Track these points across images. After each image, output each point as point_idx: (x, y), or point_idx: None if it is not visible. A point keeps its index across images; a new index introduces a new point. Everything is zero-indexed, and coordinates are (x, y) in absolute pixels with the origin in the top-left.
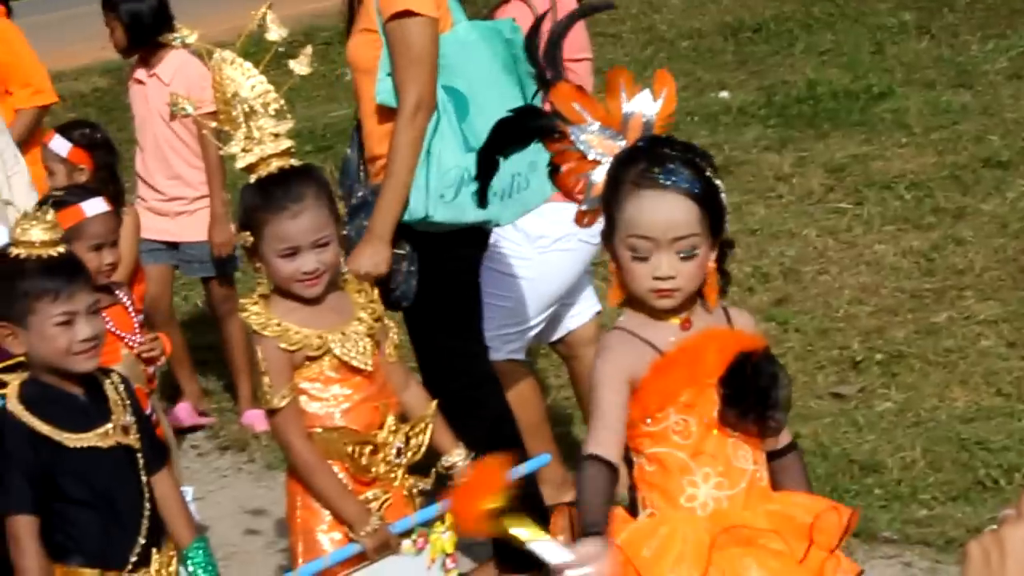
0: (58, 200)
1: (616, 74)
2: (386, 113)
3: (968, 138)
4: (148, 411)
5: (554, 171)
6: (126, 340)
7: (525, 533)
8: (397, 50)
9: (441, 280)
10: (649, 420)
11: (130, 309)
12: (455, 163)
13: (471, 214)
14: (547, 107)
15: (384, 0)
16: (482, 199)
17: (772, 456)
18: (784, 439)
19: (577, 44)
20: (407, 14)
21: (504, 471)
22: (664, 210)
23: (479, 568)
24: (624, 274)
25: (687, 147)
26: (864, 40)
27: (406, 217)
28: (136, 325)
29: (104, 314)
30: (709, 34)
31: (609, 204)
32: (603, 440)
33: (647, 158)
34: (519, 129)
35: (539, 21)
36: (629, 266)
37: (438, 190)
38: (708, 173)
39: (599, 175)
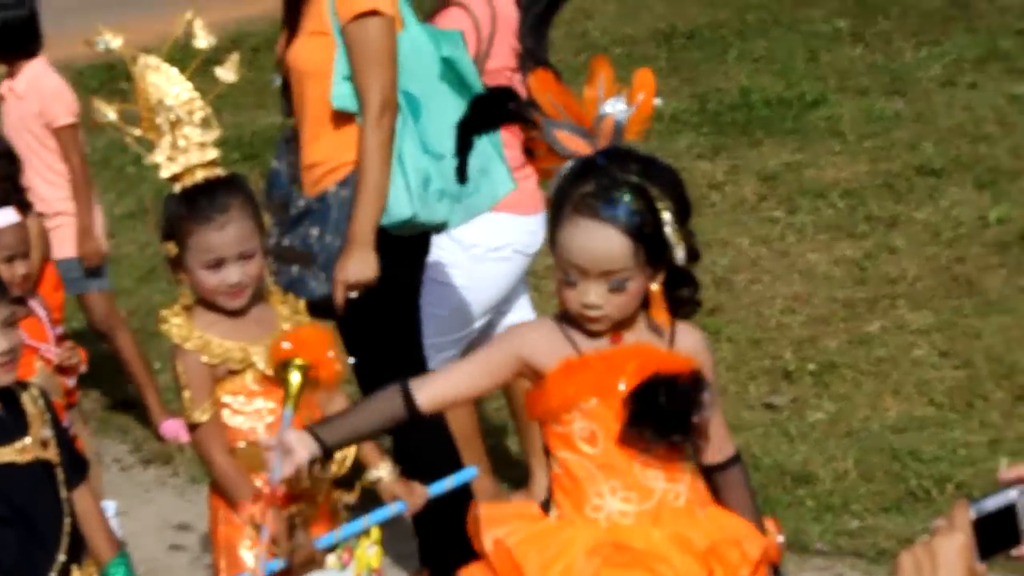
0: None
1: (599, 64)
2: (343, 118)
3: (901, 146)
4: (66, 424)
5: (528, 153)
6: (41, 351)
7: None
8: (358, 51)
9: (387, 286)
10: (556, 423)
11: (44, 320)
12: (417, 165)
13: (438, 214)
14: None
15: (343, 1)
16: (462, 175)
17: (712, 470)
18: (726, 452)
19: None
20: (372, 14)
21: (325, 346)
22: (596, 243)
23: None
24: (557, 290)
25: (645, 169)
26: (798, 47)
27: (389, 221)
28: (51, 336)
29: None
30: (642, 41)
31: (553, 216)
32: (429, 380)
33: (596, 179)
34: (494, 110)
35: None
36: (560, 286)
37: (415, 190)
38: (658, 202)
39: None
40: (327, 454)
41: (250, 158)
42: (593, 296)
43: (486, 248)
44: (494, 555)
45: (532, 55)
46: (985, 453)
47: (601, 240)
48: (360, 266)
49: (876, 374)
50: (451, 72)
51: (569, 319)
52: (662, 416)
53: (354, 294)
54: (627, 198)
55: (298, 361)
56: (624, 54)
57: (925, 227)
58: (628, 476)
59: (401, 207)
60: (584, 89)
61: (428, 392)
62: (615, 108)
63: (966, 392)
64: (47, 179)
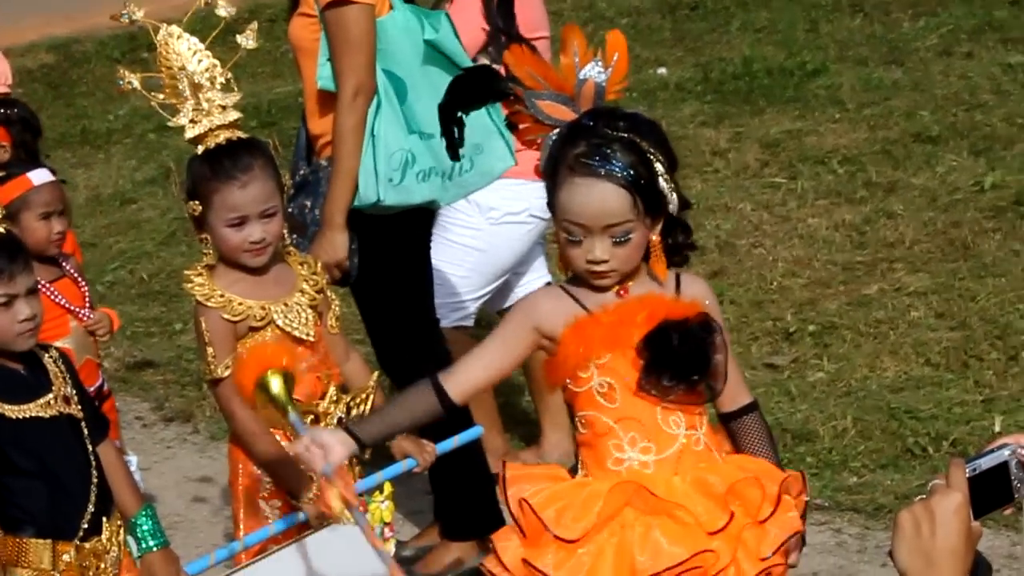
0: (2, 175)
1: (570, 32)
2: (327, 98)
3: (899, 114)
4: (100, 382)
5: (512, 127)
6: (79, 314)
7: (282, 401)
8: (334, 37)
9: (390, 259)
10: (570, 380)
11: (79, 281)
12: (399, 145)
13: (418, 195)
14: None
15: None
16: (454, 152)
17: (728, 418)
18: (741, 400)
19: (533, 22)
20: (343, 2)
21: (277, 356)
22: (595, 199)
23: (421, 535)
24: (562, 252)
25: (632, 124)
26: (799, 18)
27: (357, 202)
28: (86, 296)
29: (53, 287)
30: (647, 12)
31: (549, 181)
32: (456, 371)
33: (586, 139)
34: (474, 89)
35: None
36: (564, 247)
37: (386, 174)
38: (649, 155)
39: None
40: (363, 449)
41: (267, 125)
42: (599, 251)
43: (504, 212)
44: (520, 514)
45: (504, 32)
46: (980, 411)
47: (600, 195)
48: (327, 248)
49: (874, 335)
50: (435, 54)
51: (575, 282)
52: (677, 358)
53: (327, 278)
54: (620, 152)
55: (269, 373)
56: (630, 25)
57: (922, 193)
58: (648, 426)
59: (367, 191)
60: (560, 58)
61: (457, 383)
62: (593, 72)
63: (961, 352)
64: None
